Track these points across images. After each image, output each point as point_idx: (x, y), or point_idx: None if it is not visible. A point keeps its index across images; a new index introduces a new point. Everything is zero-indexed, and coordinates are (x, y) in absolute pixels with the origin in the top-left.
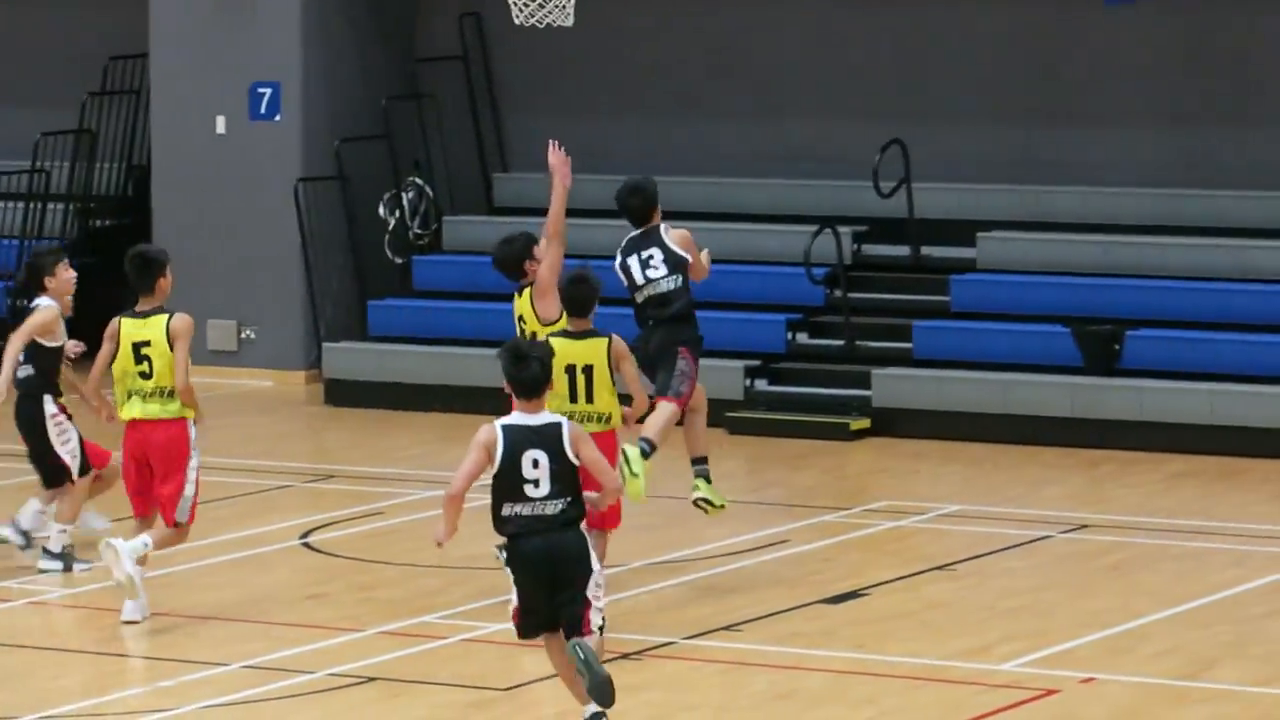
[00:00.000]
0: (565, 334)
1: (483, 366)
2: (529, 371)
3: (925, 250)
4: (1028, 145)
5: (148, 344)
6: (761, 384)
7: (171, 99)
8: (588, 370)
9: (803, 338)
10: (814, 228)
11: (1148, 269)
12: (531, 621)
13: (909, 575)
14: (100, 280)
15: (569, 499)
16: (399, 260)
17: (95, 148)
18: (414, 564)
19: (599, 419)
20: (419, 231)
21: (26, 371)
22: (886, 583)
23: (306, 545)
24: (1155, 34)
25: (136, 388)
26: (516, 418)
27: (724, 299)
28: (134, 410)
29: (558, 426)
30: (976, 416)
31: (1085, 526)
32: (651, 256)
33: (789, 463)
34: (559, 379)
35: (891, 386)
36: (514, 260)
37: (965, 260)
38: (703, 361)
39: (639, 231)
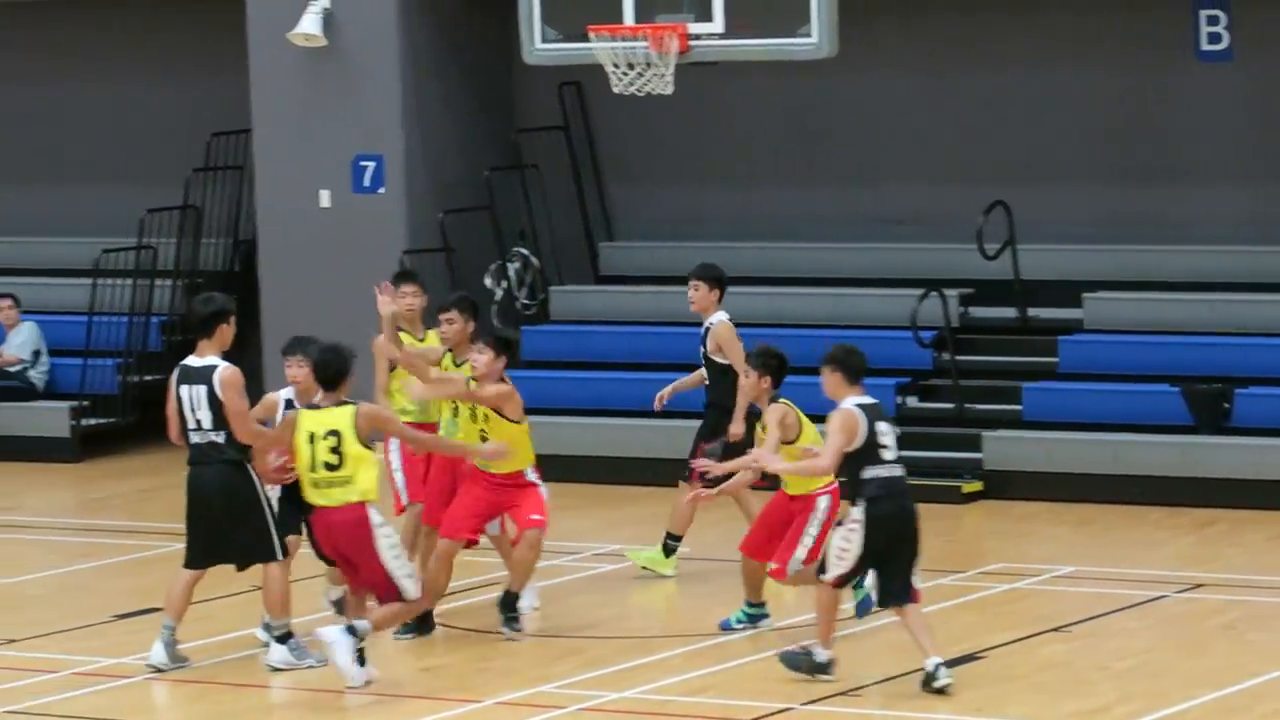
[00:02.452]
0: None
1: (593, 435)
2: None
3: (1032, 311)
4: (1130, 204)
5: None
6: None
7: (275, 173)
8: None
9: (912, 401)
10: (920, 291)
11: (1254, 326)
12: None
13: (1024, 637)
14: None
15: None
16: (507, 331)
17: (201, 223)
18: (530, 635)
19: None
20: (526, 302)
21: None
22: (1002, 645)
23: None
24: (1251, 89)
25: None
26: (859, 399)
27: None
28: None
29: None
30: (1087, 477)
31: (1199, 586)
32: None
33: None
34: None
35: (1002, 449)
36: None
37: (1072, 321)
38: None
39: None
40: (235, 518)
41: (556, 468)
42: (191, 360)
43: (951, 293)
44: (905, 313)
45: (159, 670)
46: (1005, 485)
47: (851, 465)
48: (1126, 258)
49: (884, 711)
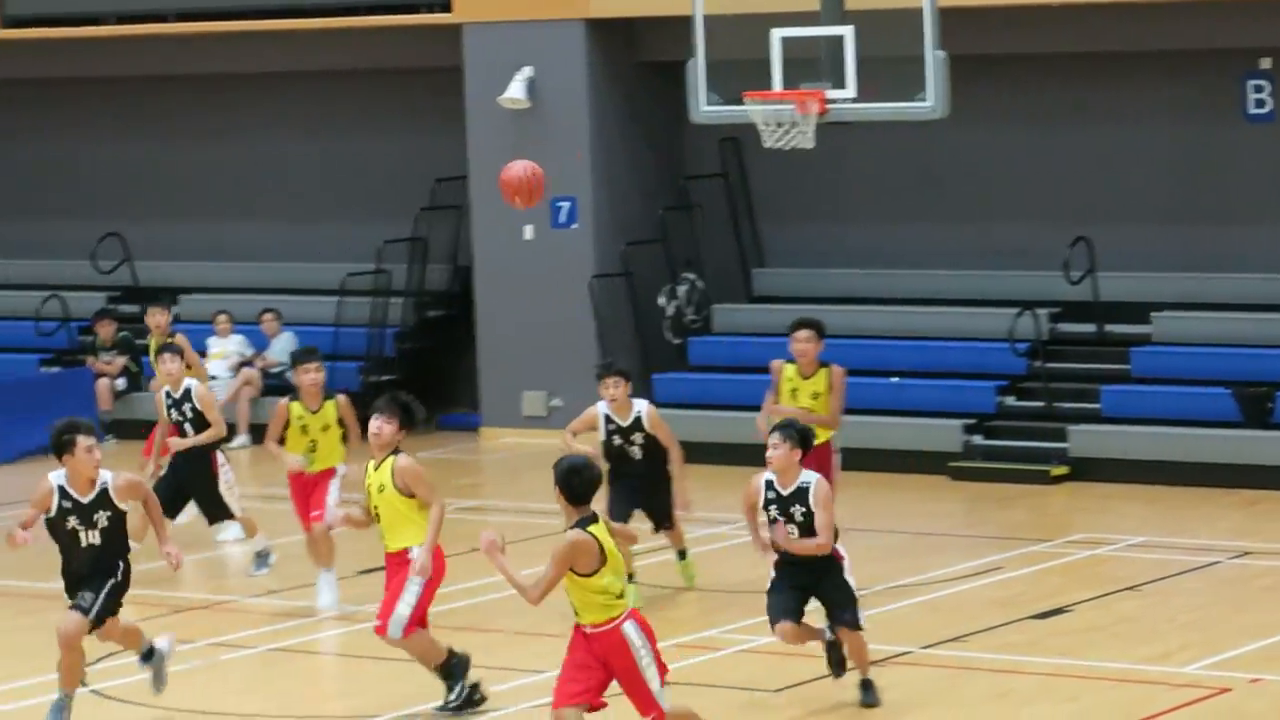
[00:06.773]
0: None
1: (747, 426)
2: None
3: (1109, 328)
4: (1191, 239)
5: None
6: (976, 439)
7: (488, 212)
8: None
9: (1010, 401)
10: (1016, 310)
11: None
12: None
13: (1103, 595)
14: (433, 359)
15: None
16: (677, 341)
17: (427, 252)
18: (699, 589)
19: None
20: (693, 317)
21: None
22: (1084, 601)
23: None
24: None
25: None
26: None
27: (944, 369)
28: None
29: None
30: (1155, 463)
31: (1247, 553)
32: None
33: (1001, 503)
34: None
35: (1084, 440)
36: None
37: (1142, 335)
38: (930, 420)
39: None
40: None
41: (714, 453)
42: None
43: (1042, 312)
44: (1005, 328)
45: None
46: (1086, 470)
47: None
48: (1188, 283)
49: (983, 655)
